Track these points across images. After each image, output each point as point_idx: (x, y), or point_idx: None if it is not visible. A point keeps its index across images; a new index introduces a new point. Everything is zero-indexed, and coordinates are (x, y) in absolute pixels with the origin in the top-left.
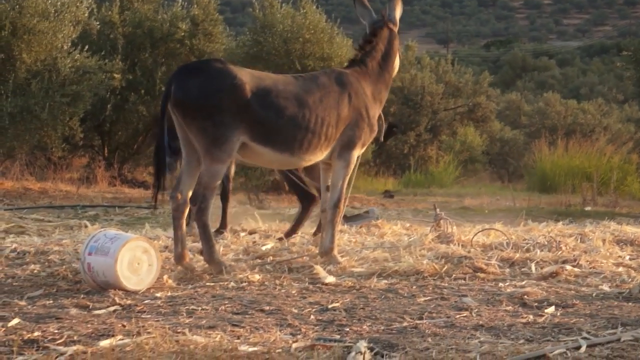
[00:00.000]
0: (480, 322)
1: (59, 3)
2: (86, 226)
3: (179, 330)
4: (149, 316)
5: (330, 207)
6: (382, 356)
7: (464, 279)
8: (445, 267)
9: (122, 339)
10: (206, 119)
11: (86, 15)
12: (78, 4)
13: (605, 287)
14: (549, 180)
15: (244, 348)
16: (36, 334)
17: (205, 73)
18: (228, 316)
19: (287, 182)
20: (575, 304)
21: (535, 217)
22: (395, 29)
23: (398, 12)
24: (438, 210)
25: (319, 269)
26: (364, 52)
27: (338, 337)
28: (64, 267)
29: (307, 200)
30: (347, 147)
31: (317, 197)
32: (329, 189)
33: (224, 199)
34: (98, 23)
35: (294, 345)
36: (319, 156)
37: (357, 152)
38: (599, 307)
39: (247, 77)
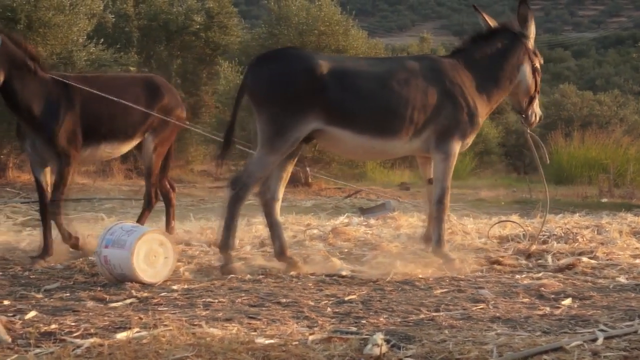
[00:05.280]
0: (497, 314)
1: None
2: (102, 219)
3: (195, 323)
4: (165, 309)
5: (435, 203)
6: (399, 348)
7: (481, 271)
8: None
9: (139, 332)
10: (277, 105)
11: (101, 8)
12: None
13: (622, 279)
14: (565, 172)
15: (260, 340)
16: (53, 326)
17: (279, 59)
18: (244, 308)
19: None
20: (592, 296)
21: (552, 209)
22: (527, 43)
23: (532, 29)
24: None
25: (335, 261)
26: (474, 44)
27: (355, 329)
28: (80, 259)
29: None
30: (444, 137)
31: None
32: (432, 182)
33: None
34: (113, 16)
35: (311, 338)
36: (404, 141)
37: (457, 145)
38: (616, 299)
39: (323, 59)
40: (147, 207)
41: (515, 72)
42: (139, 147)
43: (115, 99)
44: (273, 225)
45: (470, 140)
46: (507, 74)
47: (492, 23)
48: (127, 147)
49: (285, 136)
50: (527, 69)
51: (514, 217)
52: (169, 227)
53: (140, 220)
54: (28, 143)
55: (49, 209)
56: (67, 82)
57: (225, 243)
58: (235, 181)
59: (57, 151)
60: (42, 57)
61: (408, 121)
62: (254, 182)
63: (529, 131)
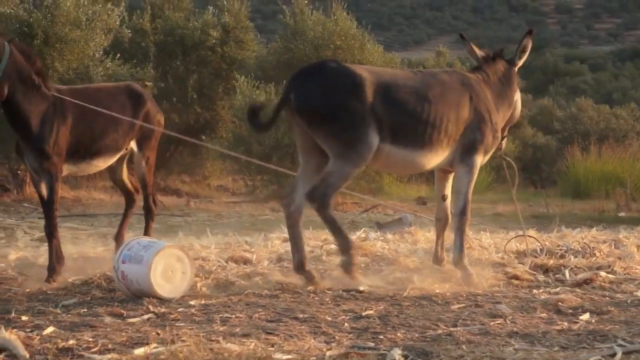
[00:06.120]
0: (515, 330)
1: (90, 12)
2: None
3: (213, 338)
4: (183, 324)
5: (457, 215)
6: None
7: (498, 286)
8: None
9: (157, 347)
10: (334, 123)
11: (117, 23)
12: (109, 12)
13: None
14: (582, 186)
15: (278, 356)
16: (71, 342)
17: (323, 75)
18: (262, 324)
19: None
20: (610, 311)
21: (569, 223)
22: (515, 70)
23: (521, 61)
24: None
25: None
26: (487, 63)
27: (372, 344)
28: (98, 275)
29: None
30: (469, 150)
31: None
32: (445, 198)
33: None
34: (129, 31)
35: (328, 353)
36: (440, 155)
37: (480, 158)
38: (634, 313)
39: (366, 73)
40: (150, 217)
41: (514, 96)
42: (110, 167)
43: (117, 115)
44: (295, 238)
45: (490, 154)
46: (512, 95)
47: (480, 53)
48: (115, 157)
49: (357, 149)
50: (518, 96)
51: (531, 232)
52: (121, 232)
53: (146, 233)
54: (25, 159)
55: (45, 231)
56: (66, 98)
57: (344, 243)
58: (313, 194)
59: (48, 165)
60: (45, 72)
61: (445, 134)
62: (334, 192)
63: (504, 156)
